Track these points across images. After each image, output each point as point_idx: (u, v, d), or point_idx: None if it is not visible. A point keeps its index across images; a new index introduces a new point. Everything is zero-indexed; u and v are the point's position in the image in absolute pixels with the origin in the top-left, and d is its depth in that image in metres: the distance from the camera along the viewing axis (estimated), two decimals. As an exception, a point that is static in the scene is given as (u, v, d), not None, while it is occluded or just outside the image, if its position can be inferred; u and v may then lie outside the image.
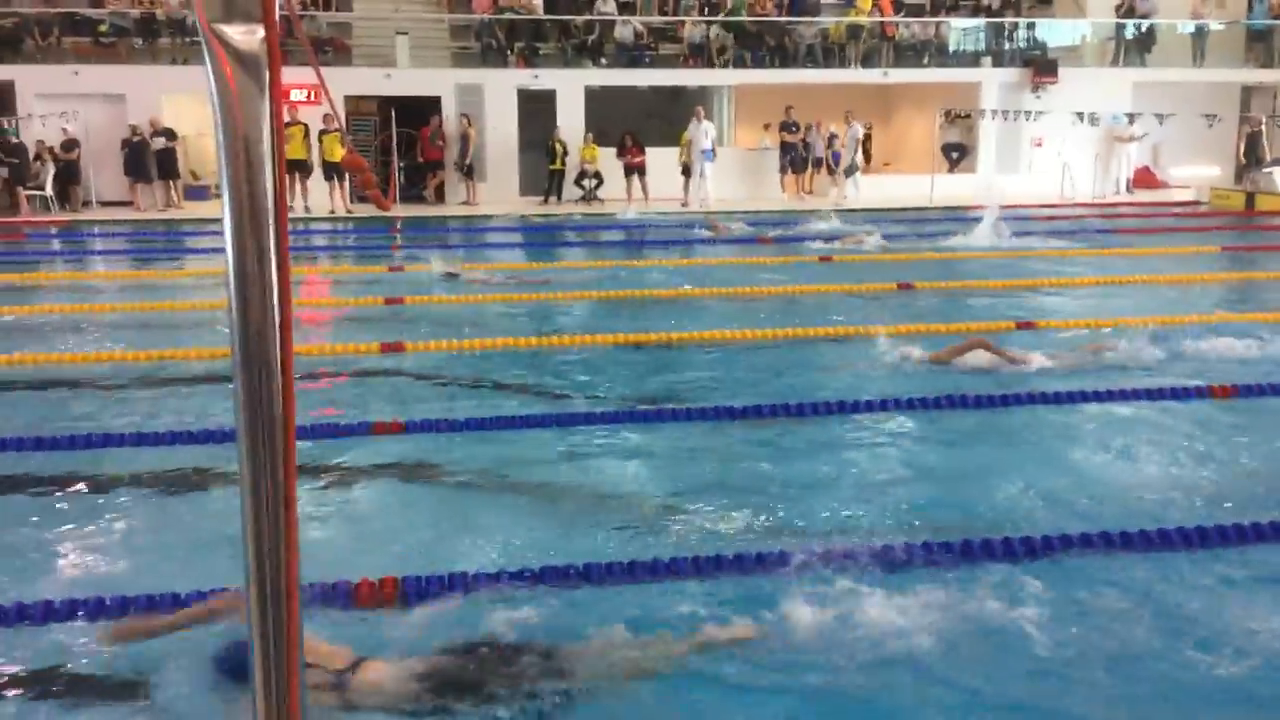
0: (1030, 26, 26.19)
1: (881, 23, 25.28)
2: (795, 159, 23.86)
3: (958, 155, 25.16)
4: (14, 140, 21.23)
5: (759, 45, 24.58)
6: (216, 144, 1.02)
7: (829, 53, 24.99)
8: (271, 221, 1.00)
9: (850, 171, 22.91)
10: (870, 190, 23.05)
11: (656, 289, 12.54)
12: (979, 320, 10.16)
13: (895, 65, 25.05)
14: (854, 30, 25.14)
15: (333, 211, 21.10)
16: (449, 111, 23.00)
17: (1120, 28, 25.70)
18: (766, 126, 24.79)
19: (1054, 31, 26.29)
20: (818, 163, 24.08)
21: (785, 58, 24.77)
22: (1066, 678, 3.90)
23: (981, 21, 26.02)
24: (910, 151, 26.83)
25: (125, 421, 7.10)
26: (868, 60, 25.04)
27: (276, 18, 0.99)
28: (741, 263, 14.93)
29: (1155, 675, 3.97)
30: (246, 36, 0.99)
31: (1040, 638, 4.12)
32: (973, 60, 25.56)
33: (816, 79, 24.34)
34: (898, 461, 6.43)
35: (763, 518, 5.40)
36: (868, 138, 24.53)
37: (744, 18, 24.80)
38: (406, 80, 23.03)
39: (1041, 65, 24.67)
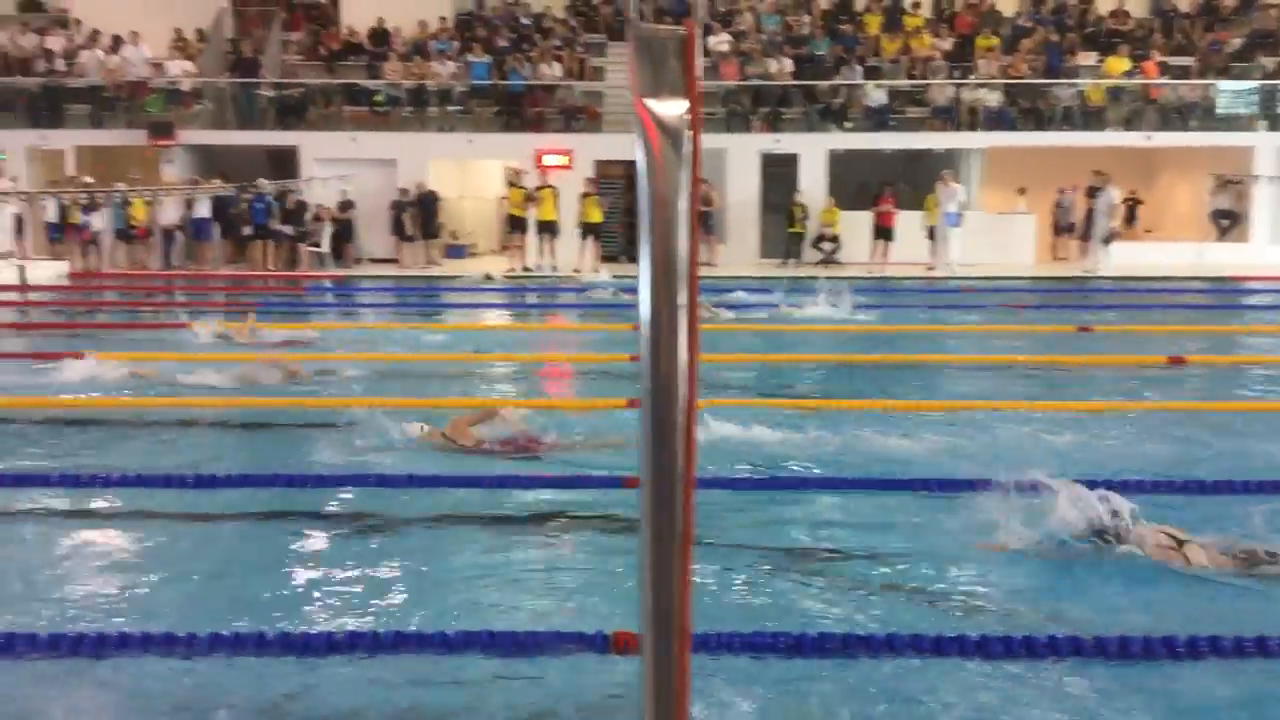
0: (1311, 87, 24.41)
1: (1147, 85, 24.21)
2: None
3: (1228, 223, 23.60)
4: (297, 201, 23.14)
5: (1011, 107, 24.04)
6: (638, 205, 1.10)
7: (1087, 114, 24.11)
8: (685, 278, 1.08)
9: (1109, 239, 21.70)
10: (1130, 257, 21.86)
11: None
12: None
13: (1159, 128, 23.90)
14: (1114, 92, 24.18)
15: (576, 270, 21.52)
16: (692, 175, 23.47)
17: None
18: (1021, 191, 24.03)
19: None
20: (1072, 228, 23.19)
21: (1040, 120, 24.09)
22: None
23: (1256, 84, 24.45)
24: (1174, 218, 25.43)
25: (390, 460, 7.55)
26: (1129, 123, 24.00)
27: (699, 94, 1.07)
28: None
29: None
30: (672, 110, 1.07)
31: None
32: (1245, 123, 24.04)
33: (1074, 142, 23.50)
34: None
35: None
36: (1137, 202, 23.32)
37: (999, 80, 24.27)
38: (653, 145, 23.66)
39: (1323, 128, 23.01)
